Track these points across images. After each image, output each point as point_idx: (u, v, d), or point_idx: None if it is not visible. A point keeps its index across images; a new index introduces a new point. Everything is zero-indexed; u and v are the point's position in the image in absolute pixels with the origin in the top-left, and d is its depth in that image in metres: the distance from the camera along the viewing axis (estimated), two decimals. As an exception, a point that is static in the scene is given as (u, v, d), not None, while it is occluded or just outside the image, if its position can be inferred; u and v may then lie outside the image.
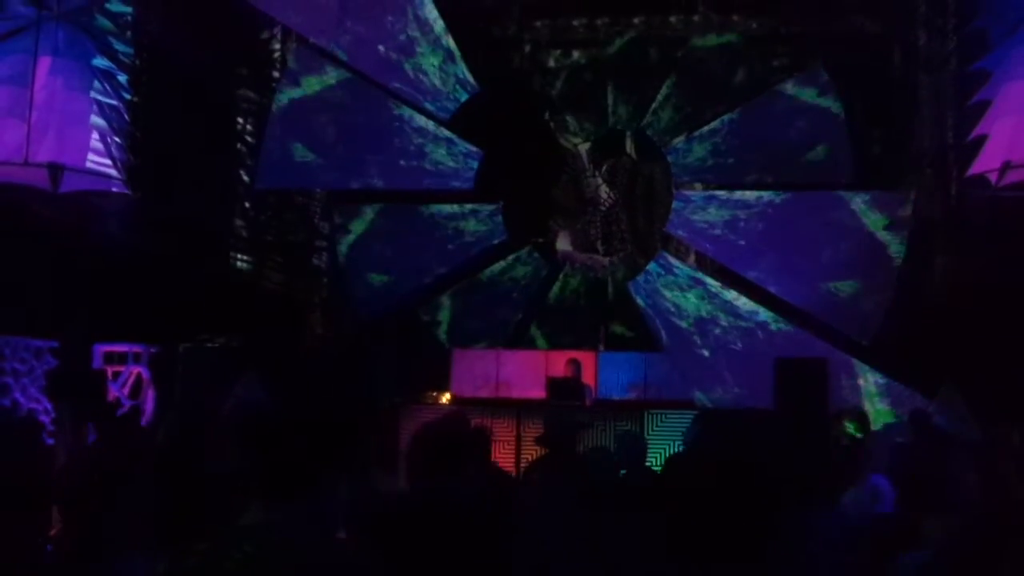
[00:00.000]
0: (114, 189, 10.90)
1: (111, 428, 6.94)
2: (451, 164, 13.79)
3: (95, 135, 10.64)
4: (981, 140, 9.91)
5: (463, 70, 13.80)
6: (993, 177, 9.65)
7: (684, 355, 13.04)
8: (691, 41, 13.96)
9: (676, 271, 13.50)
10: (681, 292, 13.30)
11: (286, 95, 13.76)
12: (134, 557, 3.43)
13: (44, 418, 10.40)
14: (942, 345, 11.28)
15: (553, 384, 11.76)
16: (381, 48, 13.86)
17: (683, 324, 13.24)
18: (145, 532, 4.21)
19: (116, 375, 11.29)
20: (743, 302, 13.08)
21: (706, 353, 13.07)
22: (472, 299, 14.27)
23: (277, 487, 2.74)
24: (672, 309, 13.32)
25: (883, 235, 12.62)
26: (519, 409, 11.21)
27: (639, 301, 13.61)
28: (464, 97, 13.82)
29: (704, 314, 13.20)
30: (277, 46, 14.45)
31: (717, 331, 13.07)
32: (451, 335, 14.08)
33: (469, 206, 14.15)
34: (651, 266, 13.67)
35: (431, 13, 13.59)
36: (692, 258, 13.80)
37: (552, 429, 6.55)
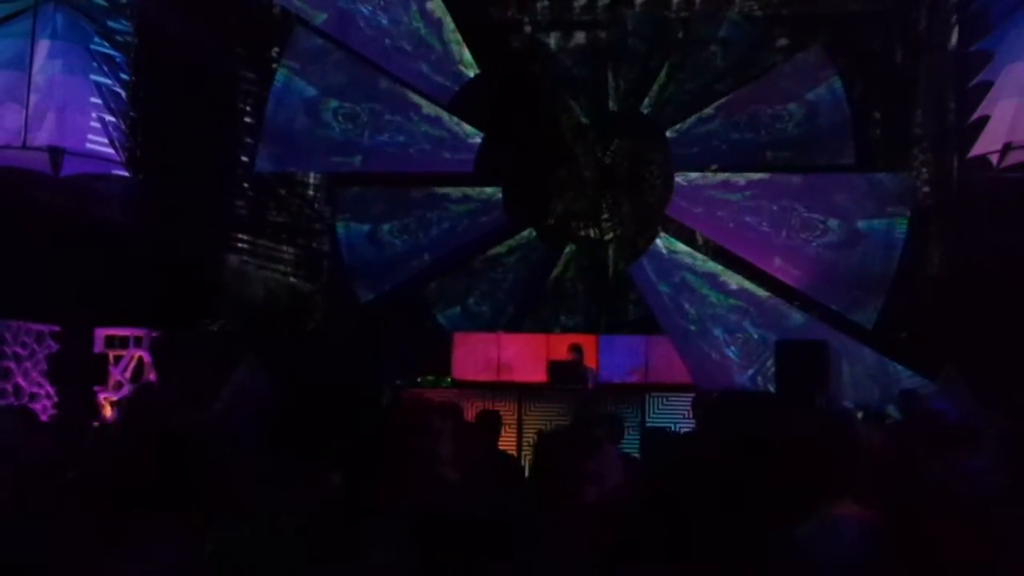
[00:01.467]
0: (114, 172, 10.89)
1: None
2: (451, 146, 13.76)
3: (94, 118, 10.62)
4: (982, 122, 9.89)
5: (464, 52, 13.76)
6: (994, 159, 9.63)
7: (685, 337, 13.04)
8: (692, 23, 13.90)
9: (676, 253, 13.49)
10: (682, 274, 13.29)
11: (285, 76, 13.71)
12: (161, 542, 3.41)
13: (46, 402, 10.42)
14: (943, 327, 11.29)
15: (555, 367, 11.79)
16: (381, 29, 13.82)
17: (684, 306, 13.24)
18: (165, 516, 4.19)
19: (117, 359, 11.30)
20: (744, 284, 13.07)
21: (706, 335, 13.07)
22: (473, 282, 14.27)
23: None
24: (672, 291, 13.32)
25: (885, 216, 12.60)
26: (520, 392, 11.24)
27: (639, 284, 13.60)
28: (464, 79, 13.78)
29: (705, 296, 13.19)
30: (277, 27, 14.37)
31: (717, 313, 13.06)
32: (452, 318, 14.08)
33: (469, 189, 14.13)
34: (651, 248, 13.65)
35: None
36: (693, 240, 13.77)
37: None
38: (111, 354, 11.26)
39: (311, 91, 13.73)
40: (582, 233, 14.38)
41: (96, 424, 9.64)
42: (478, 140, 13.64)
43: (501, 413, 6.93)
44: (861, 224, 12.63)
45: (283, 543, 2.53)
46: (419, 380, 12.06)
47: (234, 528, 2.59)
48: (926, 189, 12.80)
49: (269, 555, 2.52)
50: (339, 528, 2.59)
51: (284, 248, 14.35)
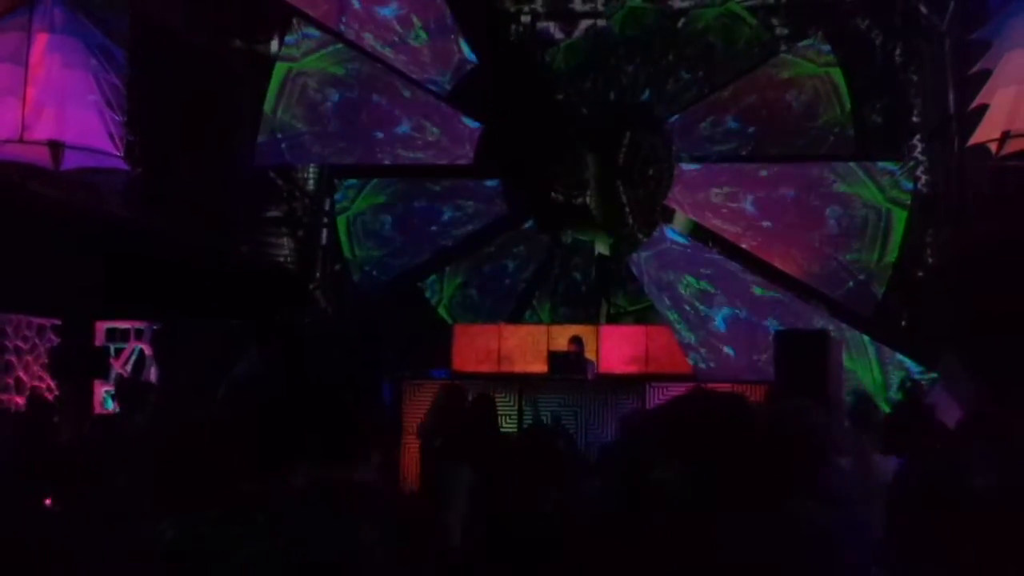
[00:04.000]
0: (113, 166, 10.89)
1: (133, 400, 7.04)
2: (450, 138, 13.76)
3: (93, 111, 10.61)
4: (981, 110, 9.87)
5: (463, 43, 13.75)
6: (993, 147, 9.61)
7: (685, 328, 13.05)
8: (692, 11, 13.89)
9: (676, 243, 13.49)
10: (682, 264, 13.28)
11: (284, 70, 13.72)
12: (138, 524, 3.44)
13: (47, 395, 10.44)
14: (942, 315, 11.30)
15: (555, 358, 11.80)
16: (380, 21, 13.82)
17: (684, 296, 13.24)
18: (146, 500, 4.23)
19: (118, 352, 11.33)
20: (743, 273, 13.07)
21: (707, 326, 13.07)
22: (473, 274, 14.28)
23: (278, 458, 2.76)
24: (673, 282, 13.32)
25: (884, 205, 12.60)
26: (521, 383, 11.26)
27: (640, 274, 13.60)
28: (464, 71, 13.78)
29: (705, 287, 13.19)
30: (276, 20, 14.36)
31: (718, 303, 13.06)
32: (453, 310, 14.10)
33: (469, 180, 14.13)
34: (651, 239, 13.66)
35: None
36: (693, 230, 13.75)
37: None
38: (112, 347, 11.29)
39: (310, 84, 13.74)
40: (582, 223, 14.37)
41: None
42: (478, 132, 13.63)
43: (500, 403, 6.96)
44: (861, 213, 12.63)
45: (237, 542, 2.53)
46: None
47: (185, 528, 2.60)
48: (926, 177, 12.79)
49: (221, 554, 2.52)
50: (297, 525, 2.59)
51: (284, 241, 14.35)
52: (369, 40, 13.82)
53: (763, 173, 13.16)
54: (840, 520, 2.73)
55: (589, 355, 12.03)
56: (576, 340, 11.91)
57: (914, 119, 13.02)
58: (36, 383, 10.50)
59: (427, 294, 14.22)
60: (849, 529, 2.75)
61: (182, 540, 2.58)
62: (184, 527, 2.60)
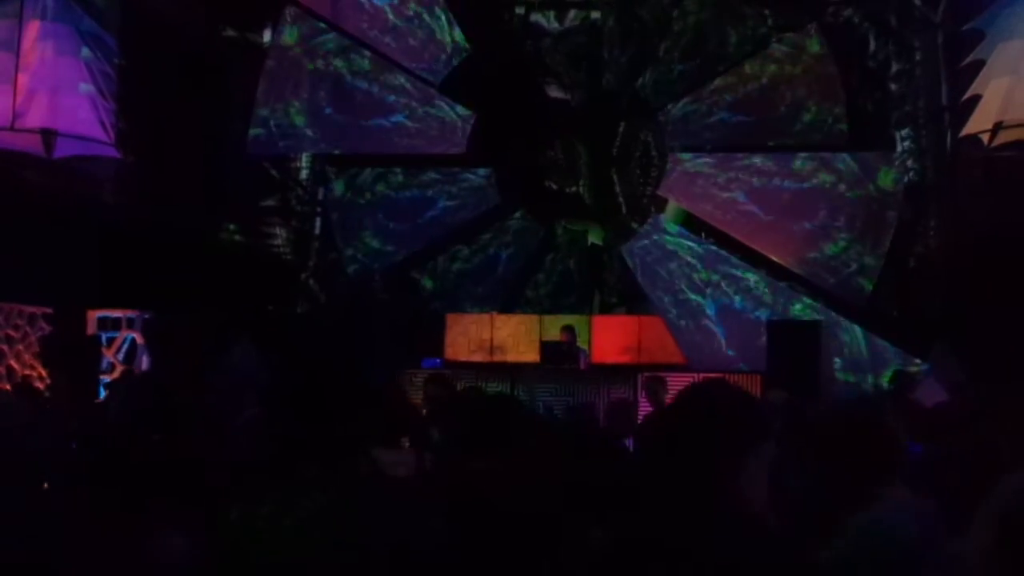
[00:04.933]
0: (105, 154, 10.86)
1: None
2: (443, 127, 13.74)
3: (86, 99, 10.58)
4: (974, 101, 9.90)
5: (456, 32, 13.72)
6: (986, 138, 9.64)
7: (678, 318, 13.07)
8: (685, 2, 13.86)
9: (669, 234, 13.50)
10: (675, 254, 13.30)
11: (277, 59, 13.67)
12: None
13: (39, 384, 10.42)
14: (935, 305, 11.34)
15: (547, 348, 11.82)
16: (374, 10, 13.78)
17: (677, 287, 13.26)
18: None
19: (110, 340, 11.31)
20: (737, 264, 13.09)
21: (699, 315, 13.09)
22: (466, 263, 14.26)
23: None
24: (665, 272, 13.33)
25: (877, 196, 12.63)
26: (513, 373, 11.27)
27: (633, 264, 13.61)
28: (457, 60, 13.76)
29: (697, 277, 13.21)
30: (268, 8, 14.30)
31: (710, 293, 13.08)
32: (445, 300, 14.08)
33: (462, 169, 14.11)
34: (644, 229, 13.66)
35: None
36: (686, 220, 13.75)
37: None
38: (104, 335, 11.26)
39: (303, 72, 13.69)
40: (576, 213, 14.36)
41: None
42: (470, 121, 13.61)
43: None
44: (854, 202, 12.66)
45: (301, 525, 2.55)
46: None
47: (248, 511, 2.61)
48: (918, 168, 12.81)
49: (285, 537, 2.54)
50: (359, 510, 2.61)
51: (276, 230, 14.31)
52: (362, 28, 13.78)
53: (756, 163, 13.17)
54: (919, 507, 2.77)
55: (581, 345, 12.06)
56: (568, 329, 11.93)
57: (906, 110, 13.03)
58: (28, 372, 10.48)
59: (419, 284, 14.19)
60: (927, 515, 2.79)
61: (244, 522, 2.59)
62: (247, 510, 2.61)
